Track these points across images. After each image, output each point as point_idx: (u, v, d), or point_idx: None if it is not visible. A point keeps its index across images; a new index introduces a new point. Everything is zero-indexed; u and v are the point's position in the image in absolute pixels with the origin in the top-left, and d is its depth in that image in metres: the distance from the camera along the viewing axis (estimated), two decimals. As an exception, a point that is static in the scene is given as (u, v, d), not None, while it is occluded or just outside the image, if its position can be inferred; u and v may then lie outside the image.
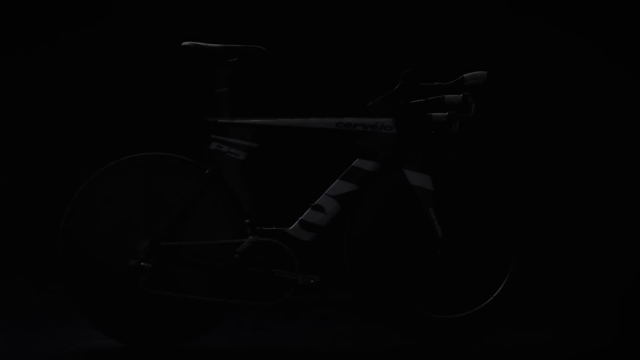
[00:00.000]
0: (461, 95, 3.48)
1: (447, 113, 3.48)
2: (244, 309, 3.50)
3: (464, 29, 4.82)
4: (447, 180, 3.51)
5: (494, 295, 3.50)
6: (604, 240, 4.71)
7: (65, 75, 4.76)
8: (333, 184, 3.51)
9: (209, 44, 3.50)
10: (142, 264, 3.44)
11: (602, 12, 4.71)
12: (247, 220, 3.50)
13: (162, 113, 4.78)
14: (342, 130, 3.50)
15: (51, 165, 4.75)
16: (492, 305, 3.50)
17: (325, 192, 3.51)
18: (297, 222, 3.50)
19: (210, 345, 3.55)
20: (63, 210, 3.50)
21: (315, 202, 3.50)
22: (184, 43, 3.53)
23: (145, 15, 4.77)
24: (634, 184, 4.74)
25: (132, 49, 4.77)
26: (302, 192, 3.63)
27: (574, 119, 4.79)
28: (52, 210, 3.94)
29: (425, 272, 3.65)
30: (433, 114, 3.48)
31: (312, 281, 3.46)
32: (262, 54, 3.53)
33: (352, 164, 3.52)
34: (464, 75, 3.51)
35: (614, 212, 4.74)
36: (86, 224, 3.48)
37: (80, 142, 4.77)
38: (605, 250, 4.70)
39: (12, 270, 4.73)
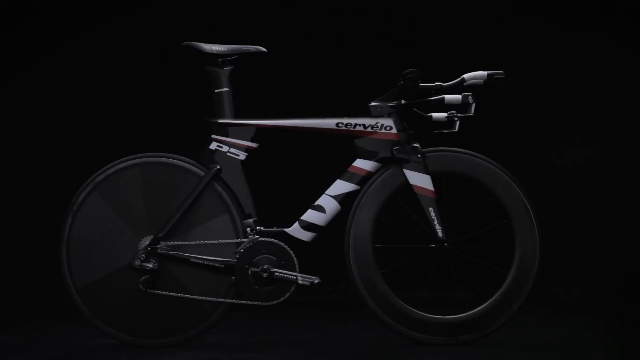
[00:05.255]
0: (461, 95, 3.49)
1: (447, 113, 3.48)
2: (244, 309, 3.51)
3: (464, 30, 4.83)
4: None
5: (493, 297, 3.50)
6: (604, 241, 4.71)
7: (65, 76, 4.76)
8: (333, 184, 3.51)
9: (210, 45, 3.50)
10: (142, 264, 3.45)
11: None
12: (247, 220, 3.50)
13: (162, 113, 4.78)
14: (342, 130, 3.51)
15: (51, 166, 4.75)
16: (490, 307, 3.49)
17: (325, 192, 3.51)
18: (297, 222, 3.51)
19: (211, 344, 3.56)
20: (65, 212, 3.51)
21: (315, 202, 3.50)
22: (185, 43, 3.54)
23: (145, 16, 4.77)
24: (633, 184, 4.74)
25: (132, 49, 4.77)
26: (302, 192, 3.63)
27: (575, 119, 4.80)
28: (53, 211, 3.93)
29: (426, 271, 3.65)
30: (433, 114, 3.48)
31: (312, 281, 3.46)
32: (262, 54, 3.54)
33: (352, 164, 3.52)
34: (464, 75, 3.51)
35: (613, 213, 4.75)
36: (88, 226, 3.49)
37: (79, 144, 4.77)
38: (604, 251, 4.71)
39: (13, 273, 4.74)
